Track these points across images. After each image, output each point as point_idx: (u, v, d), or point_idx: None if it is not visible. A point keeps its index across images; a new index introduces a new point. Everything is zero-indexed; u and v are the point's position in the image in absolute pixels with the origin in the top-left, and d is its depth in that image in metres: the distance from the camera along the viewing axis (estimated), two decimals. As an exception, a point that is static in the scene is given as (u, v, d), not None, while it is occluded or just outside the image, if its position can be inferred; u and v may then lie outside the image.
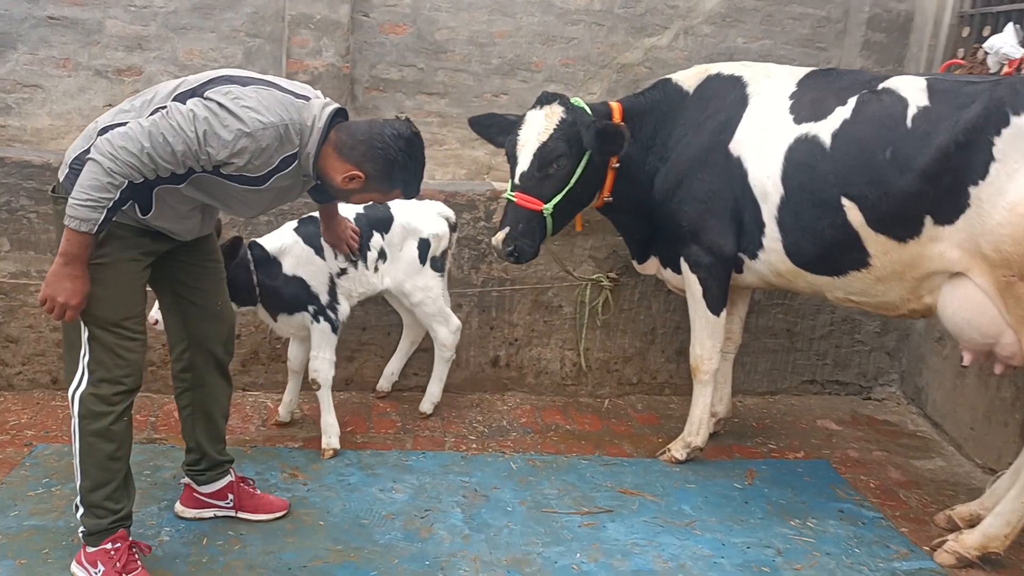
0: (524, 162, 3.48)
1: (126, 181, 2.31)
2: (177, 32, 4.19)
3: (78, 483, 2.58)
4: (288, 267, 3.50)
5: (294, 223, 3.60)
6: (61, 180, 2.53)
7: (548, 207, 3.46)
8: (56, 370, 3.81)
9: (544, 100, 3.52)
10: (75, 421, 2.56)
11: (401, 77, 4.58)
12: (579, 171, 3.48)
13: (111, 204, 2.31)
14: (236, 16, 4.26)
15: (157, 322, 3.13)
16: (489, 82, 4.68)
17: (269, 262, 3.47)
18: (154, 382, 3.95)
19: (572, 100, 3.56)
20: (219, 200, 2.58)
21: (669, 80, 3.70)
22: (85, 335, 2.54)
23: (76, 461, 2.57)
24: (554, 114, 3.46)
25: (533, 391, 4.42)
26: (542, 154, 3.44)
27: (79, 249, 2.35)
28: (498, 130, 3.68)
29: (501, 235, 3.46)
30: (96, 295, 2.46)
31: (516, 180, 3.49)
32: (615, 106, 3.61)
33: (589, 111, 3.52)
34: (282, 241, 3.54)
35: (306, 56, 4.30)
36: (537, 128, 3.47)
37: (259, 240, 3.49)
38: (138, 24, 4.14)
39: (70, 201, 2.31)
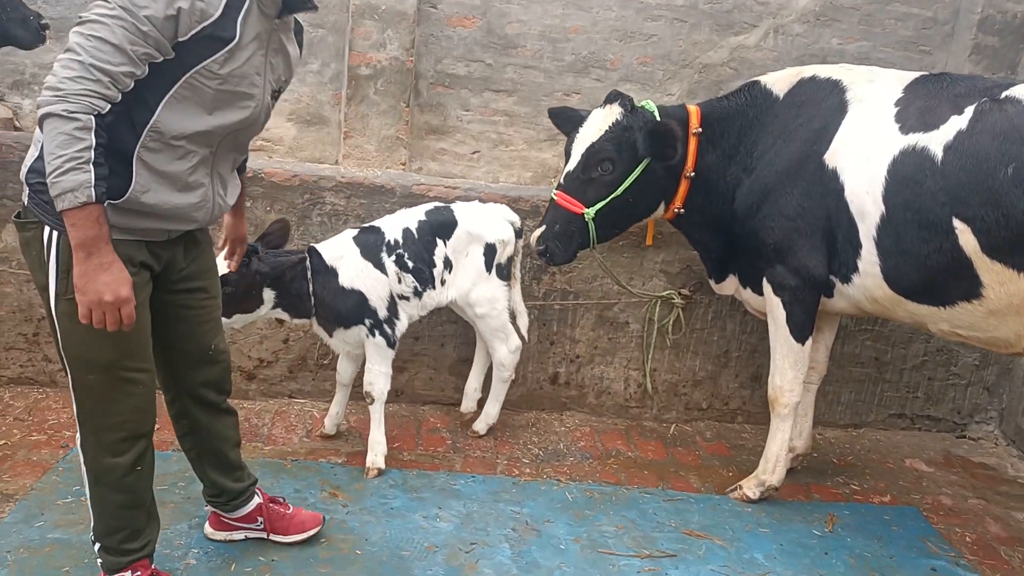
0: (572, 161, 3.27)
1: (91, 116, 1.91)
2: (238, 21, 4.02)
3: (91, 523, 2.35)
4: (345, 278, 3.29)
5: (353, 231, 3.40)
6: (26, 203, 2.13)
7: (590, 212, 3.23)
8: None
9: (609, 99, 3.29)
10: (83, 469, 2.29)
11: (468, 73, 4.34)
12: (631, 179, 3.21)
13: (93, 156, 1.92)
14: (298, 5, 4.07)
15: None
16: (561, 80, 4.41)
17: (326, 271, 3.26)
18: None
19: (643, 103, 3.28)
20: (209, 106, 2.13)
21: (757, 82, 3.37)
22: (70, 383, 2.20)
23: (88, 503, 2.33)
24: (611, 115, 3.22)
25: (594, 412, 4.13)
26: (588, 155, 3.23)
27: (93, 229, 1.94)
28: (570, 125, 3.45)
29: (537, 232, 3.29)
30: (77, 334, 2.10)
31: (561, 179, 3.29)
32: (692, 109, 3.31)
33: (658, 114, 3.22)
34: (340, 249, 3.33)
35: (369, 49, 4.09)
36: (593, 127, 3.25)
37: (317, 246, 3.28)
38: (198, 12, 3.98)
39: (49, 180, 1.90)
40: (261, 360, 3.90)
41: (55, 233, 2.08)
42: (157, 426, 2.40)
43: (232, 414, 2.70)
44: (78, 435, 2.26)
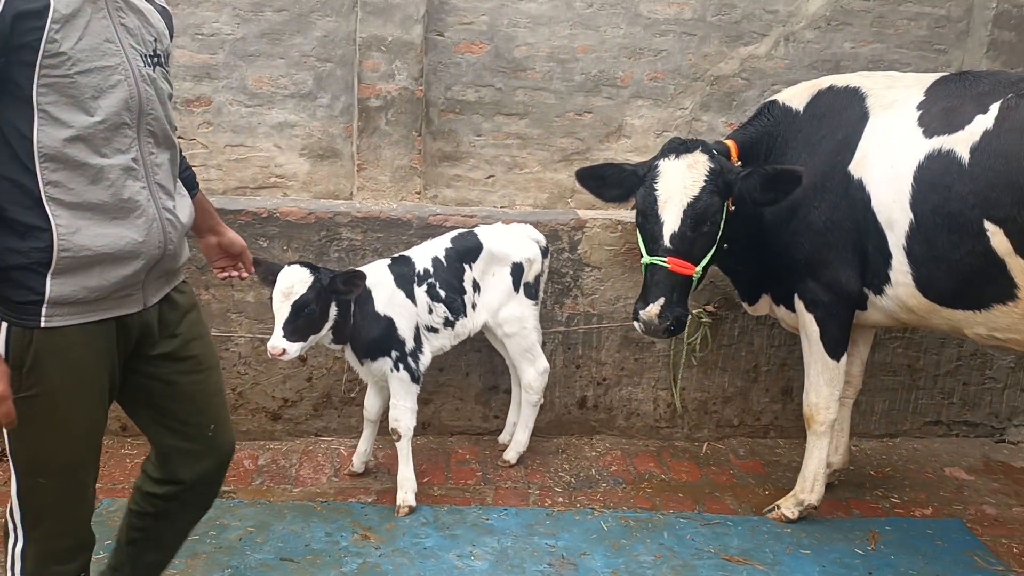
0: (673, 221, 3.04)
1: None
2: (246, 60, 4.02)
3: None
4: (379, 303, 3.27)
5: (387, 260, 3.38)
6: None
7: (699, 270, 3.09)
8: (125, 417, 3.66)
9: (681, 148, 3.11)
10: None
11: (478, 98, 4.31)
12: (722, 224, 3.12)
13: None
14: (306, 41, 4.06)
15: (284, 352, 2.95)
16: (572, 100, 4.38)
17: (364, 295, 3.24)
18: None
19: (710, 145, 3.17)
20: (81, 97, 1.82)
21: (775, 102, 3.32)
22: (14, 485, 1.96)
23: None
24: (699, 164, 3.06)
25: (624, 434, 4.07)
26: (697, 211, 3.04)
27: None
28: (614, 183, 3.25)
29: (655, 308, 3.03)
30: (29, 435, 1.89)
31: (667, 242, 3.05)
32: (731, 144, 3.23)
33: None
34: (376, 275, 3.31)
35: (378, 80, 4.07)
36: (683, 181, 3.06)
37: (338, 273, 3.25)
38: (206, 53, 3.98)
39: None
40: (286, 400, 3.87)
41: (5, 324, 1.85)
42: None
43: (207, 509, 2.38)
44: (15, 543, 2.00)
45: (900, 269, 2.97)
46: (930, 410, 4.20)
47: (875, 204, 2.98)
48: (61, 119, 1.79)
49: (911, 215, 2.88)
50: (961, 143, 2.78)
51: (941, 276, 2.88)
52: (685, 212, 3.04)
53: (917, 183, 2.87)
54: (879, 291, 3.08)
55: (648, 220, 3.12)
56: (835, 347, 3.21)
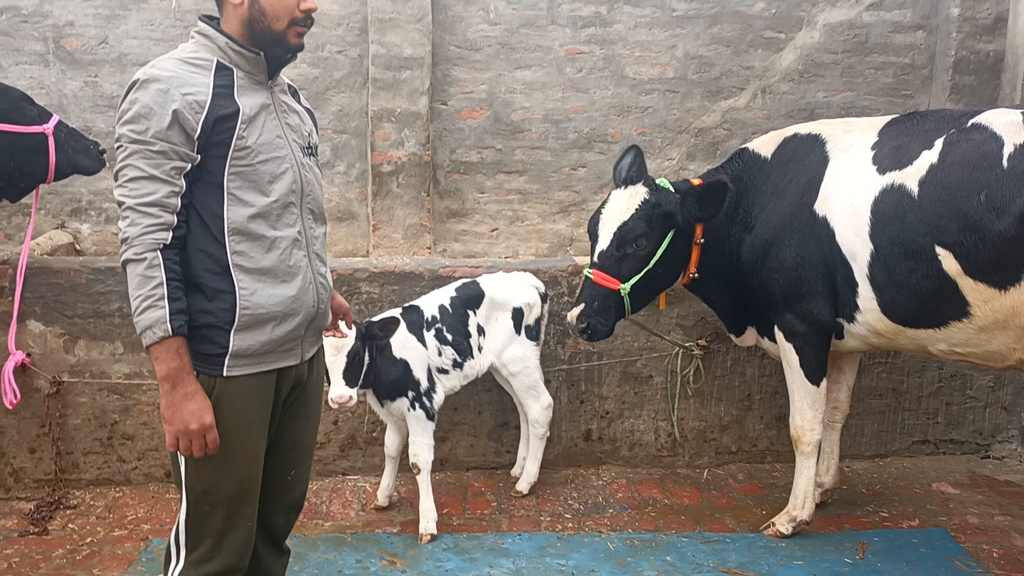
0: (604, 241, 3.49)
1: (157, 252, 2.04)
2: (269, 134, 4.43)
3: None
4: (396, 348, 3.61)
5: (398, 309, 3.72)
6: None
7: (626, 287, 3.45)
8: (169, 463, 4.00)
9: (628, 180, 3.53)
10: None
11: (480, 159, 4.70)
12: (660, 252, 3.46)
13: (167, 291, 2.04)
14: (323, 115, 4.48)
15: (350, 398, 3.27)
16: (567, 156, 4.76)
17: (383, 343, 3.57)
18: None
19: (657, 181, 3.55)
20: (260, 182, 2.19)
21: (745, 149, 3.67)
22: (183, 512, 2.25)
23: None
24: (637, 194, 3.47)
25: (628, 464, 4.35)
26: (622, 233, 3.45)
27: (175, 362, 2.06)
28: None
29: (576, 311, 3.48)
30: (205, 468, 2.19)
31: (595, 258, 3.52)
32: (697, 183, 3.60)
33: (673, 190, 3.52)
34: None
35: (389, 148, 4.47)
36: (619, 207, 3.48)
37: (373, 320, 3.58)
38: (233, 130, 4.40)
39: (134, 320, 2.07)
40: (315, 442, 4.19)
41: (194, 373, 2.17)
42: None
43: (286, 552, 2.62)
44: (176, 565, 2.27)
45: (866, 296, 3.27)
46: (917, 430, 4.45)
47: (839, 238, 3.29)
48: (245, 200, 2.18)
49: (871, 246, 3.19)
50: (910, 177, 3.09)
51: (902, 299, 3.17)
52: (614, 234, 3.44)
53: (874, 216, 3.17)
54: (851, 319, 3.37)
55: (590, 238, 3.59)
56: (814, 373, 3.50)
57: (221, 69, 2.18)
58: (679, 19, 4.66)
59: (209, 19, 2.29)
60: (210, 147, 2.12)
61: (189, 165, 2.11)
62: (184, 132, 2.08)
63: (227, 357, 2.19)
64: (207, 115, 2.10)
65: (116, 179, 2.10)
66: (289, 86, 2.45)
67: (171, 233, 2.08)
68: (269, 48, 2.25)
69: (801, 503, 3.63)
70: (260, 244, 2.20)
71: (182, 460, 2.22)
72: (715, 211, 3.41)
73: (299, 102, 2.46)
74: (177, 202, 2.10)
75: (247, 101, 2.19)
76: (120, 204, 2.08)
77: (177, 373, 2.08)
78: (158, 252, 2.06)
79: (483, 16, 4.56)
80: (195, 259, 2.16)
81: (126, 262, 2.07)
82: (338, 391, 3.29)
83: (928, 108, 4.78)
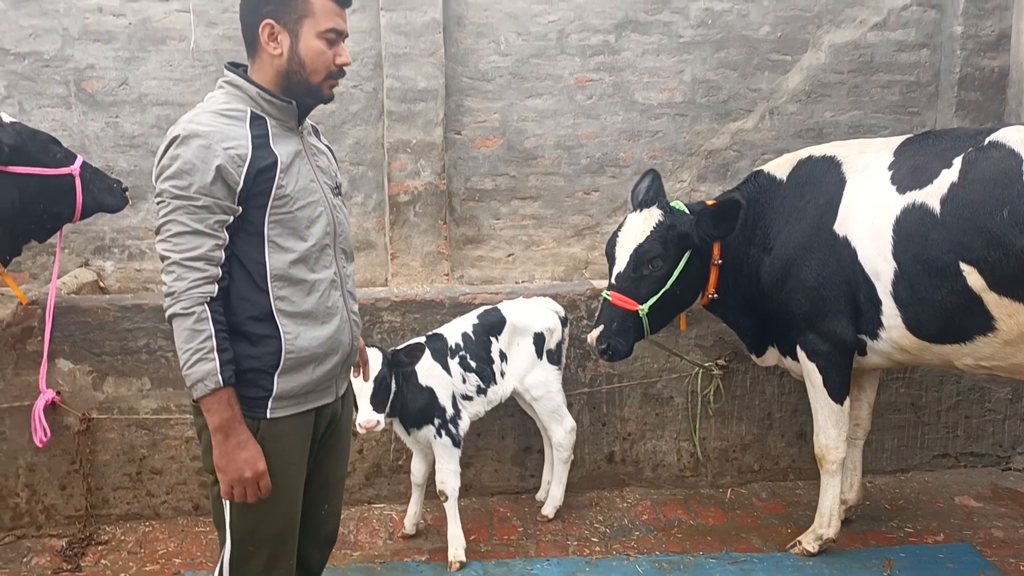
0: (621, 262, 3.55)
1: (204, 306, 2.08)
2: (287, 169, 4.50)
3: None
4: (421, 376, 3.65)
5: (423, 338, 3.77)
6: None
7: (644, 308, 3.49)
8: (197, 497, 4.04)
9: (644, 204, 3.59)
10: None
11: (495, 186, 4.77)
12: (677, 272, 3.51)
13: (216, 343, 2.08)
14: (340, 148, 4.55)
15: (378, 423, 3.30)
16: (579, 181, 4.83)
17: (409, 371, 3.61)
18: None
19: (672, 203, 3.62)
20: (299, 228, 2.24)
21: (761, 171, 3.73)
22: (227, 553, 2.29)
23: None
24: (652, 217, 3.53)
25: (652, 485, 4.38)
26: (638, 255, 3.51)
27: (227, 412, 2.11)
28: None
29: (595, 333, 3.52)
30: (251, 511, 2.22)
31: (613, 280, 3.57)
32: (711, 204, 3.65)
33: (688, 212, 3.58)
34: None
35: (405, 178, 4.54)
36: (635, 230, 3.54)
37: (400, 347, 3.61)
38: (252, 165, 4.47)
39: (183, 373, 2.10)
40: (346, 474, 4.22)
41: None
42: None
43: None
44: None
45: (890, 313, 3.31)
46: (937, 444, 4.48)
47: (861, 257, 3.33)
48: (285, 246, 2.22)
49: (895, 264, 3.24)
50: (931, 196, 3.15)
51: (927, 316, 3.22)
52: (631, 256, 3.50)
53: (897, 235, 3.22)
54: (874, 336, 3.41)
55: (608, 261, 3.65)
56: (838, 391, 3.53)
57: (255, 119, 2.22)
58: (686, 45, 4.74)
59: (234, 67, 2.32)
60: (251, 198, 2.16)
61: (232, 217, 2.14)
62: (227, 186, 2.11)
63: (271, 399, 2.23)
64: (248, 167, 2.14)
65: (159, 233, 2.12)
66: (312, 127, 2.50)
67: (216, 286, 2.12)
68: (301, 98, 2.29)
69: (827, 521, 3.65)
70: (301, 288, 2.25)
71: (227, 503, 2.25)
72: (729, 228, 3.46)
73: (321, 141, 2.50)
74: (221, 255, 2.13)
75: (282, 149, 2.23)
76: (164, 259, 2.10)
77: (229, 423, 2.12)
78: (205, 305, 2.09)
79: (494, 48, 4.64)
80: (238, 307, 2.19)
81: (173, 316, 2.10)
82: (366, 416, 3.33)
83: (935, 124, 4.85)
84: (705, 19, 4.71)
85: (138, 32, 4.37)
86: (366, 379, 3.05)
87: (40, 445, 3.76)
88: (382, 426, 3.37)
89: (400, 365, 3.47)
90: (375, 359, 3.35)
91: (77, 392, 3.90)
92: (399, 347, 3.52)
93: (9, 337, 3.84)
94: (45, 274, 4.46)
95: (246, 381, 2.20)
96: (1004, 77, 4.73)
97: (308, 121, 2.43)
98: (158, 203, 2.13)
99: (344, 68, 2.31)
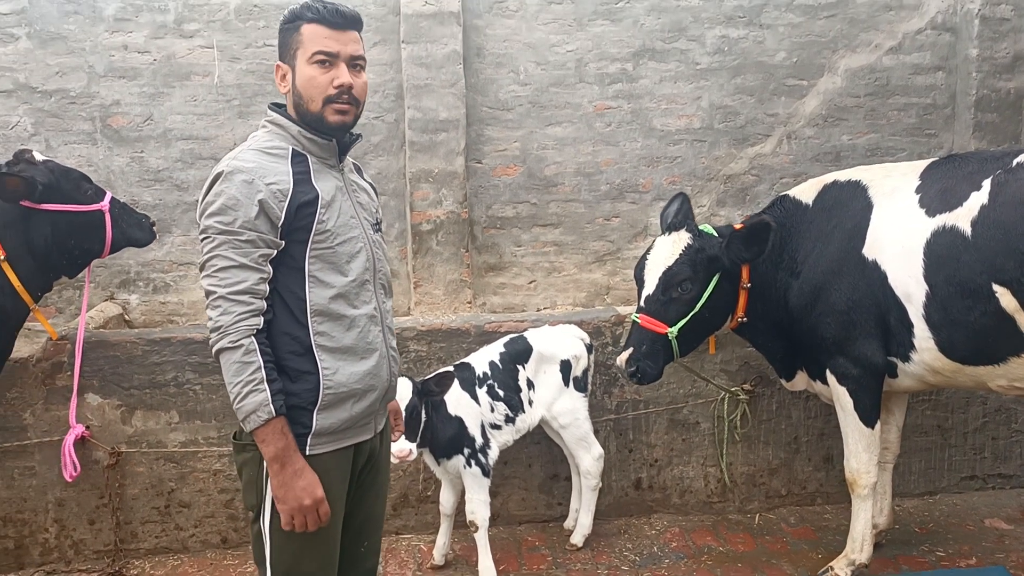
0: (650, 285, 3.55)
1: (252, 338, 2.10)
2: (310, 200, 4.53)
3: None
4: (450, 406, 3.66)
5: (450, 367, 3.77)
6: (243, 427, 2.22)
7: (673, 330, 3.50)
8: (225, 530, 4.03)
9: (672, 227, 3.61)
10: None
11: (516, 214, 4.79)
12: (706, 295, 3.52)
13: (264, 374, 2.10)
14: (362, 179, 4.58)
15: (411, 452, 3.30)
16: (600, 208, 4.85)
17: (438, 401, 3.62)
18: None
19: (701, 226, 3.64)
20: (339, 263, 2.26)
21: (786, 196, 3.75)
22: None
23: None
24: (681, 240, 3.54)
25: (680, 511, 4.36)
26: (667, 278, 3.51)
27: (281, 442, 2.11)
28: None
29: (625, 355, 3.52)
30: (290, 547, 2.23)
31: (642, 303, 3.57)
32: (739, 227, 3.67)
33: (716, 236, 3.59)
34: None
35: (428, 207, 4.57)
36: (664, 253, 3.55)
37: (429, 378, 3.60)
38: (276, 197, 4.50)
39: (234, 407, 2.11)
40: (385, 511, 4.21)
41: None
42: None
43: None
44: None
45: (922, 336, 3.31)
46: (964, 466, 4.46)
47: (892, 280, 3.34)
48: (326, 281, 2.23)
49: (926, 286, 3.24)
50: (962, 218, 3.16)
51: (960, 338, 3.22)
52: (660, 278, 3.50)
53: (928, 258, 3.23)
54: (906, 358, 3.40)
55: (637, 284, 3.64)
56: (869, 415, 3.52)
57: (296, 156, 2.27)
58: (703, 72, 4.78)
59: (277, 106, 2.36)
60: (292, 232, 2.19)
61: (275, 251, 2.17)
62: (269, 220, 2.14)
63: (310, 436, 2.23)
64: (290, 202, 2.17)
65: (203, 269, 2.15)
66: (354, 164, 2.53)
67: (262, 318, 2.14)
68: (321, 131, 2.30)
69: (859, 546, 3.63)
70: (341, 323, 2.26)
71: (267, 539, 2.26)
72: (760, 251, 3.47)
73: (363, 178, 2.55)
74: (266, 288, 2.16)
75: (323, 186, 2.26)
76: (210, 294, 2.12)
77: (285, 452, 2.13)
78: (253, 338, 2.11)
79: (513, 77, 4.68)
80: (279, 341, 2.21)
81: (221, 351, 2.11)
82: (399, 446, 3.30)
83: (952, 146, 4.87)
84: (721, 46, 4.75)
85: (162, 68, 4.42)
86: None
87: (70, 480, 3.77)
88: (415, 455, 3.37)
89: (430, 394, 3.48)
90: (405, 388, 3.36)
91: (106, 426, 3.91)
92: (428, 376, 3.53)
93: (39, 373, 3.85)
94: (71, 308, 4.48)
95: (287, 418, 2.19)
96: (1020, 98, 4.75)
97: (349, 159, 2.47)
98: (202, 239, 2.16)
99: (345, 90, 2.26)
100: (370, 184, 2.57)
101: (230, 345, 2.10)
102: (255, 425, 2.10)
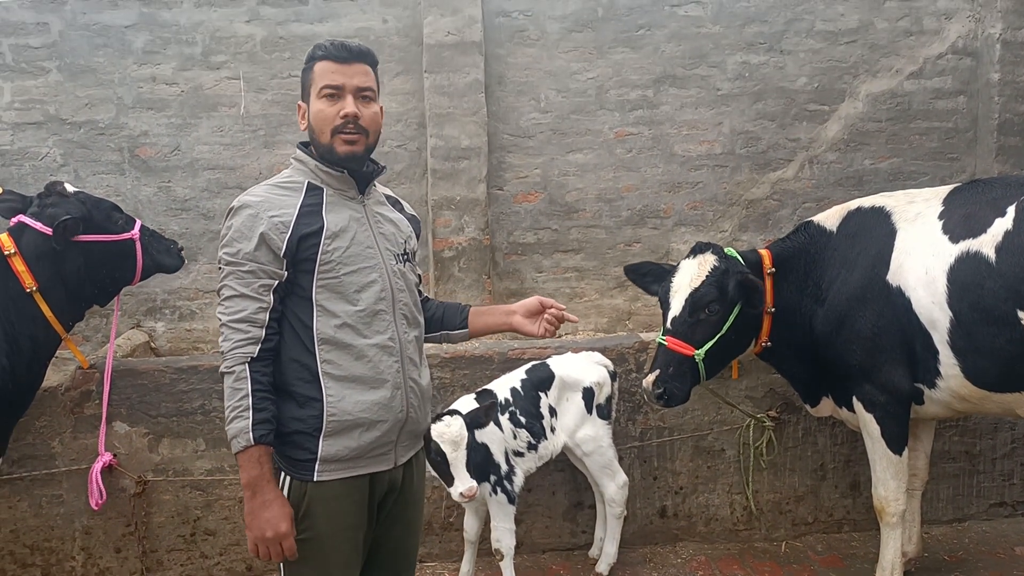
0: (676, 307, 3.54)
1: (244, 365, 2.15)
2: (334, 228, 4.58)
3: None
4: (477, 434, 3.64)
5: (472, 395, 3.78)
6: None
7: (700, 352, 3.49)
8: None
9: (698, 249, 3.61)
10: None
11: (537, 240, 4.81)
12: (732, 318, 3.51)
13: (251, 402, 2.13)
14: (385, 206, 4.62)
15: (476, 490, 3.28)
16: (621, 233, 4.87)
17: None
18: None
19: (726, 250, 3.64)
20: (347, 292, 2.28)
21: (811, 222, 3.74)
22: None
23: None
24: (707, 262, 3.54)
25: (705, 540, 4.33)
26: (694, 300, 3.50)
27: (255, 470, 2.13)
28: (652, 278, 3.78)
29: (651, 377, 3.49)
30: (298, 573, 2.26)
31: (668, 325, 3.56)
32: (764, 253, 3.67)
33: (741, 260, 3.59)
34: (467, 409, 3.68)
35: (450, 234, 4.60)
36: (690, 275, 3.55)
37: (477, 409, 3.57)
38: (300, 225, 4.55)
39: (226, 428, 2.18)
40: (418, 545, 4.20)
41: (288, 478, 2.27)
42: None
43: None
44: None
45: (948, 363, 3.28)
46: (993, 492, 4.41)
47: (916, 307, 3.32)
48: (333, 310, 2.26)
49: (951, 313, 3.22)
50: (986, 245, 3.15)
51: (986, 365, 3.19)
52: (686, 300, 3.49)
53: (951, 284, 3.21)
54: (932, 385, 3.38)
55: (662, 306, 3.64)
56: (896, 442, 3.49)
57: (312, 189, 2.32)
58: (724, 97, 4.80)
59: (304, 145, 2.42)
60: (298, 263, 2.24)
61: (277, 282, 2.22)
62: (271, 251, 2.21)
63: (317, 463, 2.25)
64: (291, 234, 2.22)
65: (218, 296, 2.26)
66: (389, 197, 2.55)
67: (259, 346, 2.19)
68: (335, 163, 2.32)
69: (889, 574, 3.59)
70: (348, 352, 2.27)
71: (280, 566, 2.28)
72: (754, 304, 3.51)
73: (401, 211, 2.55)
74: (265, 317, 2.20)
75: (334, 217, 2.29)
76: (219, 321, 2.22)
77: (257, 481, 2.14)
78: (246, 365, 2.16)
79: (534, 105, 4.72)
80: (288, 368, 2.25)
81: (222, 374, 2.20)
82: (467, 484, 3.27)
83: (975, 169, 4.86)
84: (742, 72, 4.77)
85: (190, 99, 4.50)
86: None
87: (96, 508, 3.78)
88: (477, 490, 3.35)
89: (481, 426, 3.47)
90: (458, 425, 3.35)
91: (133, 454, 3.94)
92: (476, 408, 3.51)
93: (67, 401, 3.89)
94: (98, 336, 4.53)
95: (293, 443, 2.25)
96: (1044, 122, 4.75)
97: (382, 192, 2.51)
98: (218, 269, 2.26)
99: (351, 120, 2.28)
100: (411, 216, 2.58)
101: (226, 370, 2.18)
102: (236, 449, 2.15)
